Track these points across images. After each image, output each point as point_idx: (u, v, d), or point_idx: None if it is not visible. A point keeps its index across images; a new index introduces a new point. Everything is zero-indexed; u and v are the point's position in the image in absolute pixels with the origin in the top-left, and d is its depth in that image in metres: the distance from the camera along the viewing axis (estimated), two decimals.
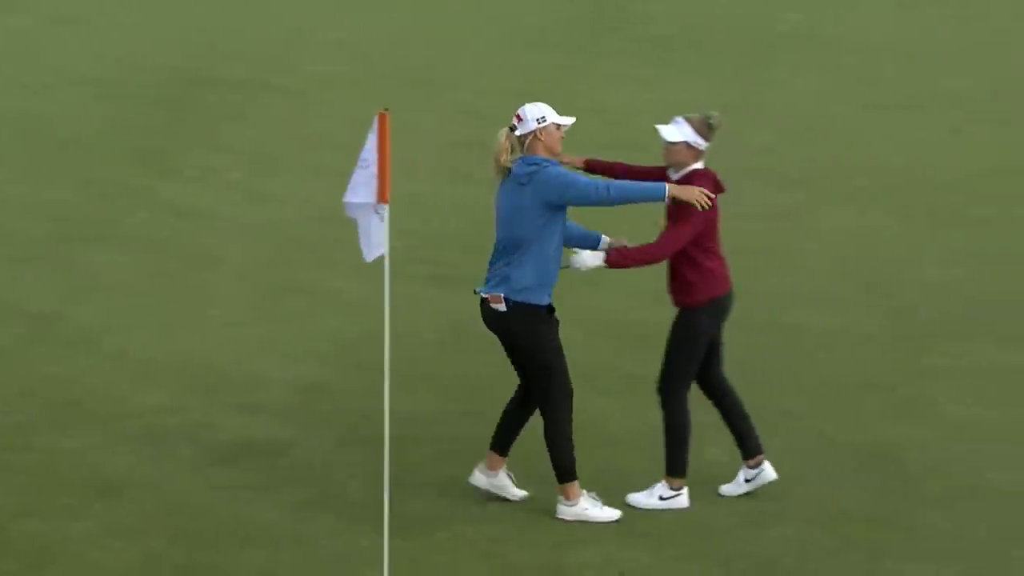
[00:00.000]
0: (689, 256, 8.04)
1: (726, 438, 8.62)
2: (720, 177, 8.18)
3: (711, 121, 8.11)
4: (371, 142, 7.11)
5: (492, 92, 15.93)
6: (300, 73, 16.38)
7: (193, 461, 8.58)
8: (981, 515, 8.16)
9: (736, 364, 9.55)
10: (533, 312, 7.88)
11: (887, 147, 14.69)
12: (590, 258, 7.92)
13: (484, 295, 7.95)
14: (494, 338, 10.34)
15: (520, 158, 7.91)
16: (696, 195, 7.77)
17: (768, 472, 8.28)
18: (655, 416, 8.76)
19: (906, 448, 9.00)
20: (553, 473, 8.02)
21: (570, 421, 8.01)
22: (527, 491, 8.22)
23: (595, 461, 8.63)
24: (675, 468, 8.21)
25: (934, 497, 8.38)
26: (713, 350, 8.31)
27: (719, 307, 8.16)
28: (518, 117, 7.92)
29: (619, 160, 8.46)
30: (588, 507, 7.99)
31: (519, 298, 7.86)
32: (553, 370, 7.93)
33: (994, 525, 8.05)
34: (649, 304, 11.09)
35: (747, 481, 8.28)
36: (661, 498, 8.21)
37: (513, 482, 8.21)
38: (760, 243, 12.26)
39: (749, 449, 8.31)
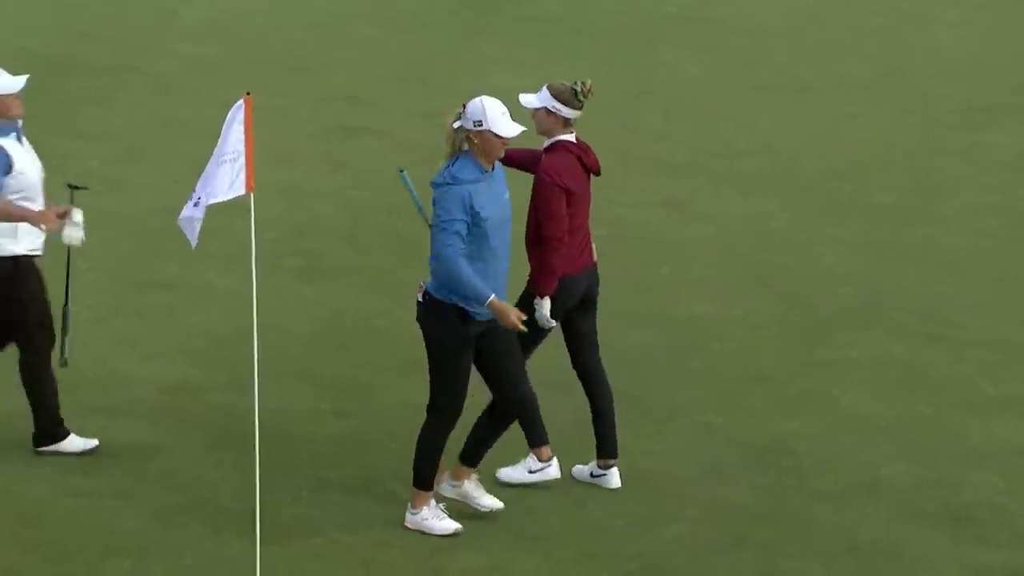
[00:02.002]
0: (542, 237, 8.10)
1: (623, 436, 8.60)
2: (594, 154, 8.20)
3: (576, 88, 8.09)
4: (236, 132, 6.91)
5: (369, 76, 15.78)
6: (167, 56, 16.12)
7: (52, 467, 8.38)
8: (875, 511, 8.20)
9: (624, 356, 9.50)
10: (440, 308, 7.60)
11: (779, 132, 14.76)
12: (543, 308, 7.99)
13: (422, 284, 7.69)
14: (370, 334, 10.21)
15: (452, 160, 7.55)
16: (512, 321, 7.50)
17: (553, 470, 8.27)
18: (563, 416, 8.73)
19: (800, 442, 9.02)
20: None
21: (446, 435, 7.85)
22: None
23: (482, 463, 8.57)
24: (536, 439, 8.25)
25: (828, 492, 8.41)
26: (582, 338, 8.27)
27: (572, 283, 8.16)
28: (463, 107, 7.55)
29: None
30: (428, 517, 7.82)
31: (437, 296, 7.59)
32: (437, 378, 7.69)
33: (888, 520, 8.09)
34: None
35: (531, 472, 8.29)
36: (531, 471, 8.25)
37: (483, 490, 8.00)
38: (650, 231, 12.26)
39: (602, 440, 8.33)
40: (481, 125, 7.46)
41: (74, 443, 8.50)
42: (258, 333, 7.25)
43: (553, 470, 8.29)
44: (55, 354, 8.43)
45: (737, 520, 8.05)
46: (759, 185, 13.28)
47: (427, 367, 7.74)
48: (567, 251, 8.08)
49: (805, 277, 11.47)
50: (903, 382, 9.90)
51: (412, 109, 14.73)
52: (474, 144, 7.48)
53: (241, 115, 6.91)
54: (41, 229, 8.11)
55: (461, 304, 7.54)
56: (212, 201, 7.09)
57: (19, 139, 8.39)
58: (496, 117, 7.46)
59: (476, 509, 7.94)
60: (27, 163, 8.33)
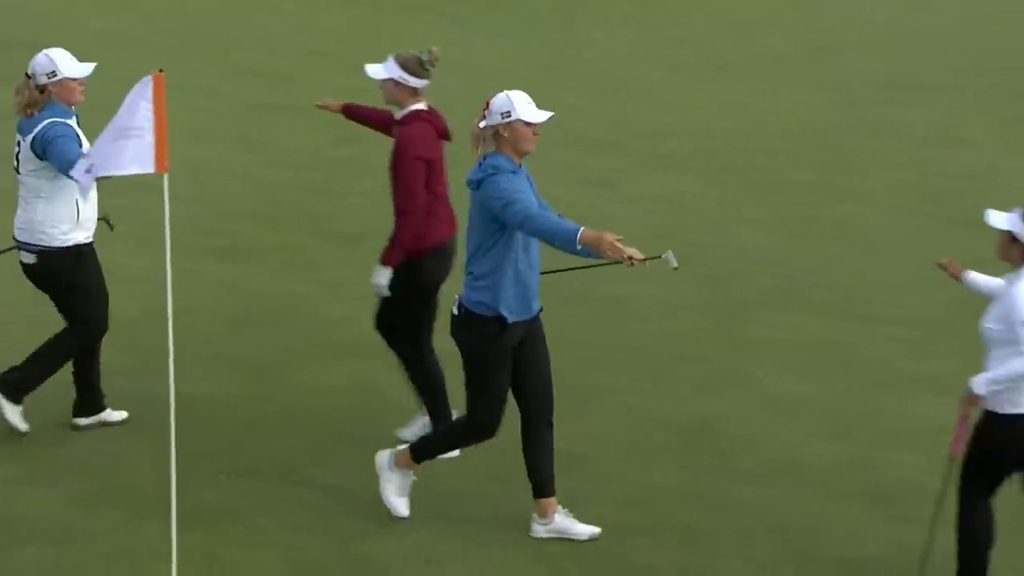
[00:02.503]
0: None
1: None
2: (444, 120, 8.23)
3: (423, 58, 8.12)
4: (143, 108, 6.83)
5: (286, 52, 15.70)
6: (78, 31, 15.94)
7: None
8: (797, 490, 8.26)
9: (547, 337, 9.55)
10: (476, 320, 7.40)
11: (701, 110, 14.83)
12: (380, 276, 8.03)
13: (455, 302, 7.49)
14: (287, 317, 10.16)
15: (483, 157, 7.36)
16: (607, 247, 7.07)
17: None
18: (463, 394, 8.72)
19: (722, 423, 9.08)
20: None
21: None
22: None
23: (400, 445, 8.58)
24: (440, 418, 8.32)
25: (750, 472, 8.47)
26: (432, 314, 8.36)
27: (447, 251, 8.25)
28: (486, 106, 7.31)
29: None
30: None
31: (469, 306, 7.42)
32: (478, 392, 7.51)
33: (810, 499, 8.16)
34: (459, 278, 11.06)
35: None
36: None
37: (574, 518, 7.80)
38: (572, 210, 12.26)
39: (434, 415, 8.38)
40: (510, 116, 7.27)
41: (112, 415, 8.57)
42: (173, 316, 7.19)
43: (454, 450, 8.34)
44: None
45: (660, 501, 8.09)
46: (681, 164, 13.34)
47: (466, 384, 7.53)
48: (437, 219, 8.15)
49: (727, 257, 11.54)
50: (824, 361, 9.98)
51: (331, 86, 14.67)
52: (504, 138, 7.32)
53: (149, 91, 6.81)
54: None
55: (501, 312, 7.40)
56: (109, 174, 7.00)
57: (78, 123, 8.36)
58: (523, 105, 7.31)
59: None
60: (87, 145, 8.29)
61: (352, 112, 8.65)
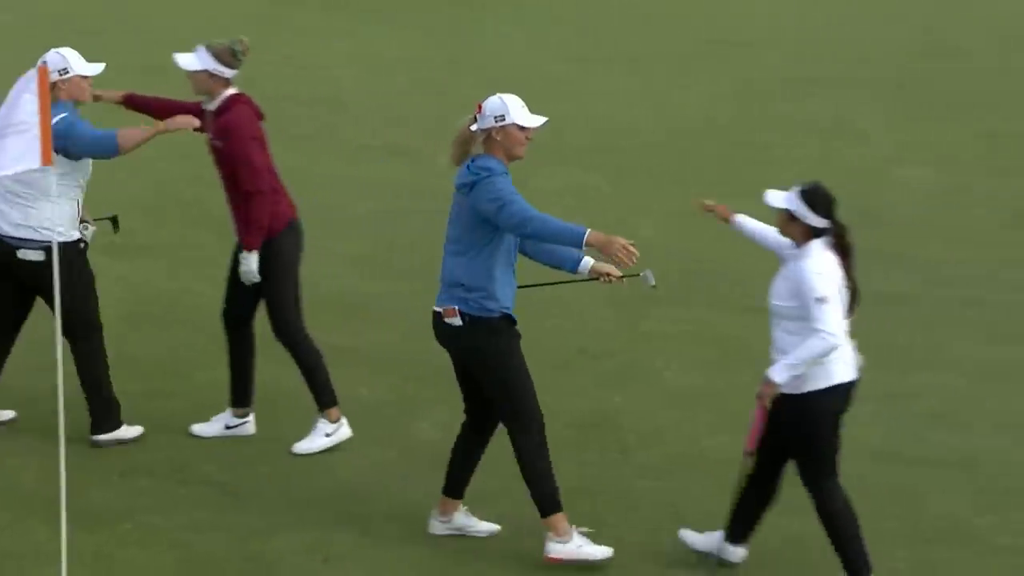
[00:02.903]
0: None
1: (439, 414, 8.63)
2: (257, 106, 8.29)
3: (235, 48, 8.18)
4: (27, 102, 6.73)
5: (174, 44, 15.56)
6: None
7: None
8: (698, 483, 8.33)
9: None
10: (496, 327, 7.30)
11: (602, 103, 14.89)
12: (250, 262, 8.09)
13: (437, 309, 7.33)
14: (183, 313, 10.10)
15: (471, 159, 7.29)
16: (617, 249, 7.17)
17: (345, 430, 8.42)
18: (362, 389, 8.71)
19: (623, 417, 9.13)
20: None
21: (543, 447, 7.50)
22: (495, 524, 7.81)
23: (296, 440, 8.55)
24: (328, 400, 8.38)
25: (651, 466, 8.53)
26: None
27: (297, 229, 8.34)
28: (479, 108, 7.25)
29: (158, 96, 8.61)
30: (582, 544, 7.50)
31: (477, 312, 7.28)
32: (523, 392, 7.38)
33: (710, 492, 8.22)
34: (352, 272, 11.03)
35: (328, 436, 8.43)
36: (327, 435, 8.38)
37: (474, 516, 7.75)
38: None
39: (321, 397, 8.44)
40: (504, 120, 7.21)
41: (129, 432, 8.50)
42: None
43: (345, 429, 8.44)
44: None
45: (562, 496, 8.10)
46: (582, 158, 13.39)
47: (496, 390, 7.37)
48: (280, 196, 8.23)
49: None
50: (724, 355, 10.06)
51: None
52: (496, 141, 7.24)
53: (34, 85, 6.73)
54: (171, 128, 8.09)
55: (505, 310, 7.31)
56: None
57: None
58: (517, 109, 7.24)
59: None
60: None
61: (135, 103, 8.58)
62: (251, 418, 8.61)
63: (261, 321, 8.62)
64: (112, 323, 9.81)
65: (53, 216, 8.03)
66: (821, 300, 7.01)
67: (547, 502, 7.46)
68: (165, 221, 11.68)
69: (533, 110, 7.42)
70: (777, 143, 14.15)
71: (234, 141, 8.14)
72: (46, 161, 6.83)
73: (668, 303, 10.69)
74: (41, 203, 8.12)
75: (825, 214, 7.19)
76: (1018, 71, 16.22)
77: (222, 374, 9.02)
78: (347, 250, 11.43)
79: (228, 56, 8.17)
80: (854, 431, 8.99)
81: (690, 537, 7.59)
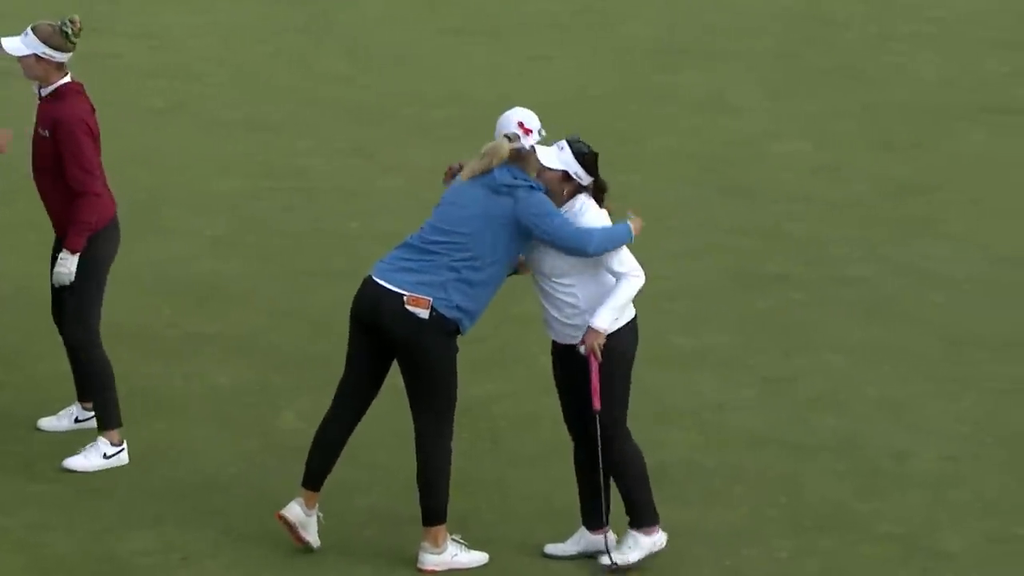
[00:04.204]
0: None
1: (303, 403, 8.57)
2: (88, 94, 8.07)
3: (65, 28, 7.89)
4: None
5: (15, 14, 15.29)
6: None
7: None
8: (570, 472, 8.33)
9: (313, 316, 9.46)
10: (452, 332, 7.40)
11: (469, 77, 14.85)
12: (69, 264, 7.91)
13: (399, 291, 7.26)
14: (26, 300, 9.87)
15: (495, 167, 7.41)
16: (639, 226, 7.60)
17: (124, 455, 8.19)
18: (221, 378, 8.63)
19: (496, 403, 9.12)
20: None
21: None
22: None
23: (152, 432, 8.44)
24: (110, 421, 8.13)
25: (524, 455, 8.53)
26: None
27: (117, 228, 8.11)
28: (526, 129, 7.50)
29: None
30: (457, 552, 7.52)
31: (449, 313, 7.32)
32: (453, 402, 7.50)
33: None
34: (209, 253, 10.91)
35: (105, 456, 8.17)
36: (105, 456, 8.12)
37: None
38: (337, 182, 12.20)
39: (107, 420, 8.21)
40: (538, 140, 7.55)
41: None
42: None
43: (124, 455, 8.19)
44: None
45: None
46: (448, 134, 13.34)
47: (428, 391, 7.40)
48: (106, 196, 8.02)
49: None
50: None
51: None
52: (528, 161, 7.52)
53: None
54: None
55: (466, 325, 7.45)
56: None
57: None
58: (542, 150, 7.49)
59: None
60: None
61: None
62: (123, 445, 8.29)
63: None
64: None
65: None
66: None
67: (437, 512, 7.47)
68: (11, 202, 11.46)
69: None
70: (652, 116, 14.21)
71: (65, 135, 7.84)
72: None
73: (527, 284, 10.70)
74: None
75: (593, 172, 7.55)
76: (898, 40, 16.45)
77: (61, 364, 8.87)
78: (204, 230, 11.29)
79: (58, 38, 7.85)
80: (733, 417, 9.10)
81: (555, 549, 7.63)
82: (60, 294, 8.19)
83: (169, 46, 15.08)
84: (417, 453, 7.46)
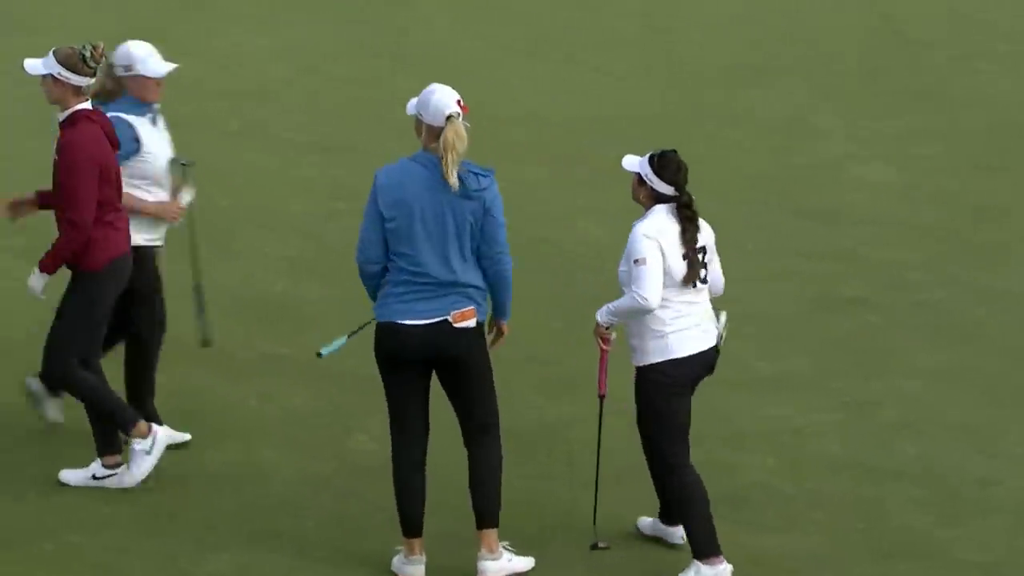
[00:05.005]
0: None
1: (375, 424, 8.65)
2: (111, 128, 8.09)
3: (84, 52, 7.94)
4: None
5: (90, 36, 15.50)
6: None
7: None
8: (646, 496, 8.38)
9: None
10: (482, 327, 7.56)
11: (539, 96, 14.91)
12: (36, 280, 7.91)
13: (440, 317, 7.41)
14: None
15: (463, 162, 7.41)
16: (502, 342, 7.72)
17: (123, 478, 8.20)
18: (295, 399, 8.74)
19: (570, 427, 9.16)
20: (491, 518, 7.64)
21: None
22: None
23: (225, 453, 8.55)
24: (107, 446, 8.18)
25: (601, 479, 8.56)
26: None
27: (120, 269, 8.09)
28: (462, 106, 7.42)
29: None
30: (511, 557, 7.65)
31: (481, 314, 7.53)
32: (493, 398, 7.70)
33: (658, 506, 8.28)
34: (284, 275, 11.03)
35: (95, 478, 8.21)
36: (95, 477, 8.15)
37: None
38: None
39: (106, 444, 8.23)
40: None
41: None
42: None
43: (119, 478, 8.21)
44: (197, 336, 8.70)
45: (505, 511, 8.14)
46: (518, 153, 13.42)
47: (485, 391, 7.62)
48: (121, 229, 8.02)
49: (573, 251, 11.64)
50: None
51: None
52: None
53: None
54: (168, 221, 8.33)
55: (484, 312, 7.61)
56: None
57: (153, 121, 8.36)
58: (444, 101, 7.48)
59: None
60: (157, 147, 8.34)
61: (45, 199, 8.20)
62: (120, 470, 8.25)
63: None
64: (27, 336, 9.79)
65: None
66: (638, 262, 7.54)
67: (496, 515, 7.57)
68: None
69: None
70: (723, 138, 14.23)
71: (64, 162, 7.85)
72: None
73: None
74: None
75: (671, 181, 7.65)
76: (981, 61, 16.40)
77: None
78: (278, 252, 11.42)
79: (75, 60, 7.88)
80: (811, 441, 9.12)
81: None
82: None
83: (243, 68, 15.24)
84: (477, 458, 7.55)
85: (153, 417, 8.45)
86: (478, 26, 16.91)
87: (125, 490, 8.15)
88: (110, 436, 8.16)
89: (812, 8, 18.26)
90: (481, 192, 7.38)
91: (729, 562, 7.62)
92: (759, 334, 10.51)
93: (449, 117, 7.35)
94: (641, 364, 7.65)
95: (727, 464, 8.80)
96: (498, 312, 7.60)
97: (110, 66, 8.33)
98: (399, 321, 7.38)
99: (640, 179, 7.66)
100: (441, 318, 7.39)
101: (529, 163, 13.32)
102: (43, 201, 8.18)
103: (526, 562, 7.64)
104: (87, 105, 7.97)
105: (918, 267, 11.59)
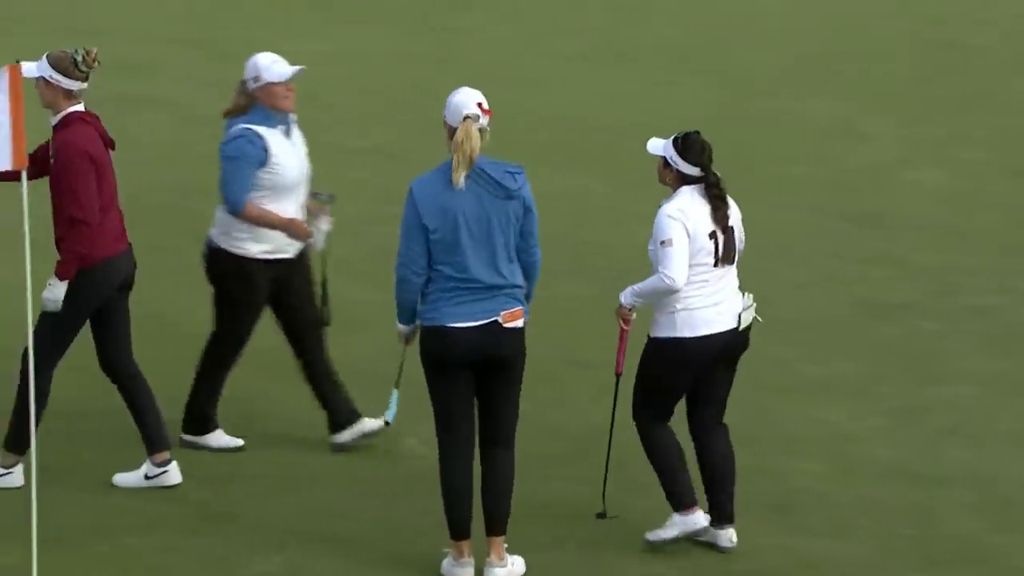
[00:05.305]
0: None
1: (424, 429, 8.59)
2: (103, 126, 8.03)
3: (76, 57, 7.89)
4: (1, 102, 6.73)
5: (149, 40, 15.55)
6: None
7: None
8: (700, 500, 8.29)
9: None
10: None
11: (594, 101, 14.87)
12: (52, 291, 7.84)
13: (491, 318, 7.32)
14: (158, 323, 9.99)
15: (493, 162, 7.40)
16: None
17: (172, 475, 8.17)
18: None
19: (620, 431, 9.07)
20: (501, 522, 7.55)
21: None
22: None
23: (276, 455, 8.52)
24: (153, 444, 8.13)
25: (648, 484, 8.44)
26: (116, 331, 8.15)
27: (113, 268, 8.00)
28: (484, 109, 7.43)
29: None
30: (514, 562, 7.55)
31: (526, 313, 7.49)
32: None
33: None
34: (342, 281, 11.00)
35: (147, 477, 8.18)
36: (147, 477, 8.15)
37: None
38: None
39: (151, 443, 8.18)
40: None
41: (219, 439, 8.55)
42: (33, 324, 7.11)
43: (172, 474, 8.20)
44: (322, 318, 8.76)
45: (557, 515, 8.09)
46: (574, 158, 13.37)
47: (515, 398, 7.51)
48: (107, 231, 7.94)
49: (624, 255, 11.56)
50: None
51: (197, 76, 14.54)
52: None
53: (5, 83, 6.73)
54: (297, 239, 8.39)
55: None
56: None
57: (287, 134, 8.38)
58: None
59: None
60: (290, 160, 8.37)
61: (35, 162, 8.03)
62: (172, 466, 8.25)
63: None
64: (83, 332, 9.80)
65: (231, 220, 8.30)
66: (665, 243, 7.60)
67: (506, 521, 7.50)
68: (141, 226, 11.61)
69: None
70: (773, 142, 14.15)
71: (61, 164, 7.81)
72: (18, 163, 6.81)
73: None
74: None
75: (696, 162, 7.73)
76: None
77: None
78: (328, 254, 11.38)
79: (67, 64, 7.84)
80: (862, 447, 9.01)
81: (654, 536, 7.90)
82: (104, 348, 8.14)
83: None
84: (500, 462, 7.45)
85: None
86: (533, 34, 16.88)
87: (177, 491, 8.15)
88: (156, 434, 8.13)
89: (861, 15, 18.15)
90: (520, 191, 7.33)
91: (779, 566, 7.55)
92: (809, 338, 10.42)
93: (466, 118, 7.34)
94: (651, 335, 7.77)
95: (777, 470, 8.71)
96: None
97: (242, 82, 8.37)
98: (448, 324, 7.31)
99: (665, 162, 7.75)
100: (491, 319, 7.30)
101: (581, 167, 13.27)
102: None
103: (520, 565, 7.57)
104: (80, 108, 7.94)
105: (969, 272, 11.47)
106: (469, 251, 7.26)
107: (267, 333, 9.47)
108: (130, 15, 16.29)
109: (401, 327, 7.53)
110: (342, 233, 11.85)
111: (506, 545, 7.56)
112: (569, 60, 16.06)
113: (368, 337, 10.11)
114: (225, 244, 8.42)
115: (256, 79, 8.32)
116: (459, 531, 7.46)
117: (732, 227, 7.73)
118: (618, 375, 7.75)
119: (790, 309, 10.89)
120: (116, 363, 8.15)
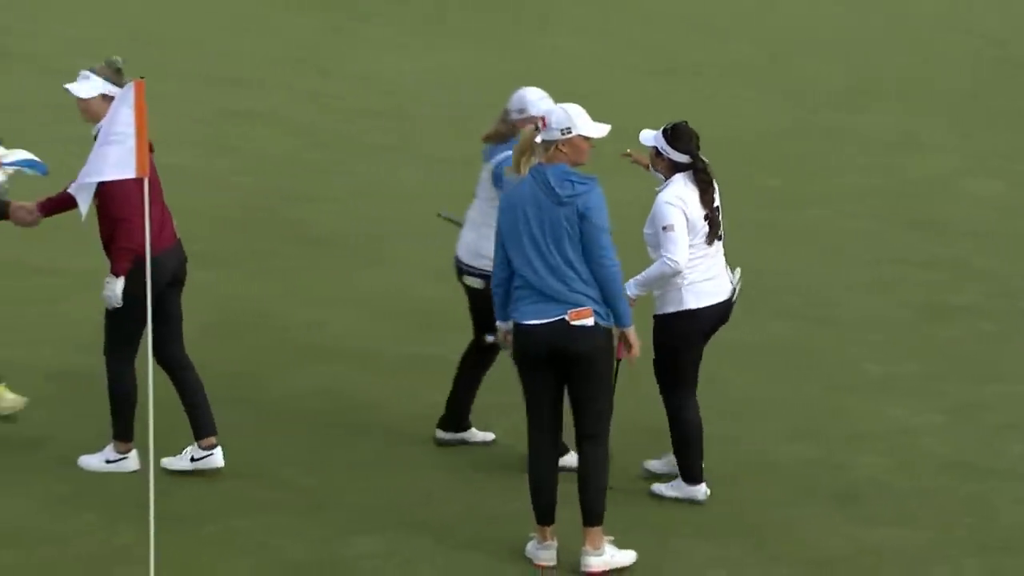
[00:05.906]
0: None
1: (510, 421, 8.70)
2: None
3: (117, 65, 7.97)
4: (124, 115, 6.92)
5: (254, 57, 15.72)
6: (48, 38, 15.95)
7: None
8: (766, 490, 8.35)
9: None
10: (607, 327, 7.38)
11: (666, 115, 14.87)
12: (111, 288, 7.87)
13: (558, 316, 7.28)
14: (260, 322, 10.11)
15: (552, 167, 7.29)
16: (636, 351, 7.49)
17: (216, 458, 8.23)
18: (437, 396, 8.82)
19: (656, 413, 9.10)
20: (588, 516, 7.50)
21: None
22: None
23: (373, 444, 8.65)
24: (200, 429, 8.22)
25: (720, 474, 8.51)
26: (172, 323, 8.19)
27: (158, 264, 7.86)
28: (543, 121, 7.31)
29: None
30: (614, 553, 7.59)
31: (603, 321, 7.35)
32: (610, 398, 7.52)
33: (779, 500, 8.24)
34: (432, 281, 11.14)
35: (193, 460, 8.25)
36: (192, 459, 8.22)
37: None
38: None
39: (200, 428, 8.26)
40: (570, 132, 7.30)
41: (475, 435, 8.76)
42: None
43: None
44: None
45: (631, 503, 8.14)
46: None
47: (598, 393, 7.43)
48: (152, 228, 7.78)
49: None
50: (790, 364, 10.09)
51: (299, 91, 14.70)
52: (561, 152, 7.32)
53: (131, 97, 6.91)
54: None
55: (604, 315, 7.42)
56: (94, 179, 7.10)
57: None
58: (583, 120, 7.32)
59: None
60: None
61: (48, 207, 8.17)
62: (217, 451, 8.29)
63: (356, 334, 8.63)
64: (190, 331, 9.96)
65: (487, 245, 8.11)
66: (667, 228, 7.80)
67: (601, 514, 7.51)
68: (244, 232, 11.81)
69: (599, 121, 7.51)
70: (837, 153, 14.14)
71: (113, 197, 7.81)
72: (141, 172, 6.99)
73: (734, 312, 10.73)
74: (481, 231, 8.32)
75: (684, 150, 7.91)
76: None
77: (299, 381, 9.14)
78: (425, 260, 11.53)
79: (115, 74, 7.95)
80: (923, 441, 9.04)
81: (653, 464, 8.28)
82: (158, 341, 8.04)
83: (389, 89, 15.38)
84: (587, 457, 7.48)
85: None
86: (613, 51, 16.93)
87: (284, 478, 8.26)
88: (202, 419, 8.24)
89: (919, 32, 18.09)
90: (574, 198, 7.28)
91: (845, 553, 7.59)
92: (873, 339, 10.44)
93: (533, 123, 7.53)
94: (659, 312, 7.92)
95: (842, 462, 8.76)
96: (616, 319, 7.43)
97: (505, 111, 8.43)
98: (524, 322, 7.43)
99: (657, 151, 7.94)
100: (559, 317, 7.37)
101: (652, 180, 13.30)
102: (44, 210, 8.13)
103: (628, 556, 7.60)
104: None
105: None
106: (531, 251, 7.34)
107: (361, 334, 9.61)
108: (239, 33, 16.47)
109: (499, 324, 7.63)
110: (437, 240, 12.04)
111: (611, 538, 7.58)
112: (640, 73, 16.11)
113: (463, 336, 10.22)
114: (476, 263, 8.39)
115: (521, 111, 8.34)
116: (542, 516, 7.57)
117: (718, 208, 7.95)
118: (618, 360, 7.63)
119: (856, 311, 10.93)
120: (169, 355, 8.22)
